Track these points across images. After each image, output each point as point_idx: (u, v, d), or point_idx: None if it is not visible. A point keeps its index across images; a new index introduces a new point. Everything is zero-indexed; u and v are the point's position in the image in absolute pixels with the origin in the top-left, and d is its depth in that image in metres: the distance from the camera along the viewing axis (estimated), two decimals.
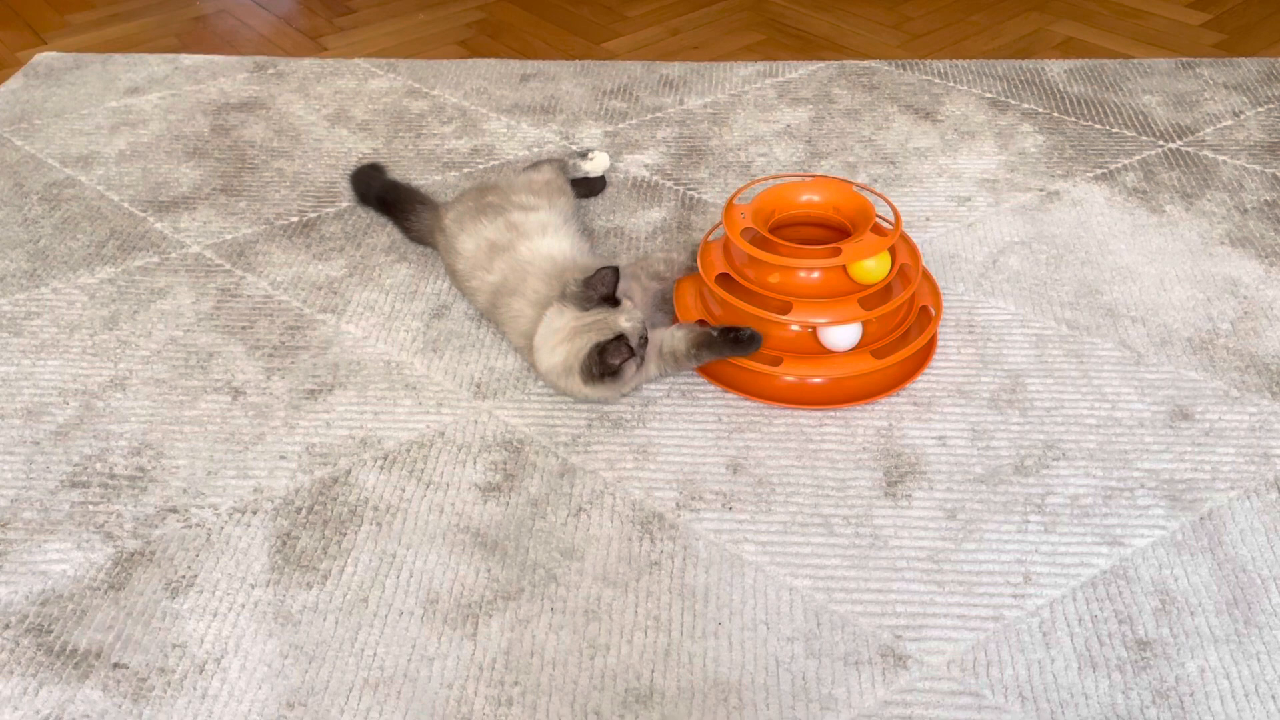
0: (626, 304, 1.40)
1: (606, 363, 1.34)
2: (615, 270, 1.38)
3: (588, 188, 1.84)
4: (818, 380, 1.43)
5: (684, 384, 1.47)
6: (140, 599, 1.21)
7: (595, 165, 1.85)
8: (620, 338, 1.35)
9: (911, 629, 1.16)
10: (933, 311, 1.50)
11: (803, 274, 1.42)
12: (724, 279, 1.47)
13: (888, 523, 1.27)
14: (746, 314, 1.43)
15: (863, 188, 1.53)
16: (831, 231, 1.51)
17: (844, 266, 1.41)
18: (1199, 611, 1.16)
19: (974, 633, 1.15)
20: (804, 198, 1.52)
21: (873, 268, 1.41)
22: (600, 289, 1.38)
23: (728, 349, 1.41)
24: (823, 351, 1.43)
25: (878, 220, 1.47)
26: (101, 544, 1.27)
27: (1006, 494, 1.30)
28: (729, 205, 1.48)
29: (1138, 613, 1.16)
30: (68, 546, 1.27)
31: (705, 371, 1.48)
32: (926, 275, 1.56)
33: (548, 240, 1.54)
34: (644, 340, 1.39)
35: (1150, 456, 1.34)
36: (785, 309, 1.40)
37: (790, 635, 1.15)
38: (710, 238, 1.56)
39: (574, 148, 1.96)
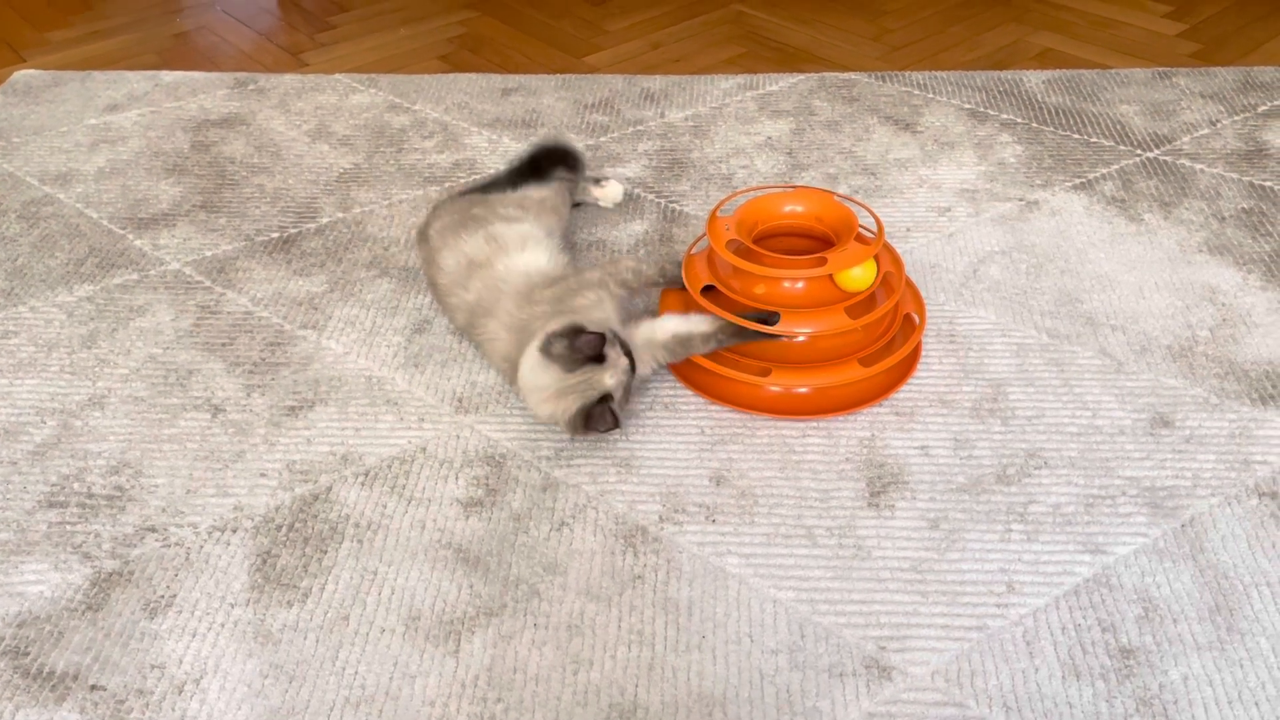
0: (611, 356, 1.36)
1: (591, 428, 1.34)
2: (602, 336, 1.34)
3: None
4: (803, 390, 1.43)
5: (667, 396, 1.47)
6: (118, 620, 1.20)
7: (607, 195, 1.81)
8: (605, 399, 1.34)
9: (895, 640, 1.15)
10: (916, 319, 1.50)
11: (787, 284, 1.42)
12: (709, 290, 1.47)
13: (871, 533, 1.27)
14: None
15: (845, 198, 1.53)
16: (815, 242, 1.52)
17: (830, 276, 1.42)
18: (1181, 619, 1.16)
19: (958, 643, 1.15)
20: (787, 208, 1.53)
21: (859, 275, 1.42)
22: (587, 351, 1.34)
23: (752, 334, 1.41)
24: (810, 361, 1.43)
25: (860, 230, 1.48)
26: (79, 564, 1.26)
27: (989, 503, 1.30)
28: (713, 217, 1.48)
29: (1120, 621, 1.16)
30: (45, 567, 1.26)
31: (690, 382, 1.48)
32: (909, 284, 1.56)
33: (525, 255, 1.53)
34: (630, 376, 1.38)
35: (1131, 464, 1.34)
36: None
37: (774, 648, 1.15)
38: (693, 250, 1.56)
39: (588, 172, 1.89)
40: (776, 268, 1.41)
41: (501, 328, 1.45)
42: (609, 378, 1.35)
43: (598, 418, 1.33)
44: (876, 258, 1.45)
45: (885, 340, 1.47)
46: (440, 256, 1.57)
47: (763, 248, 1.46)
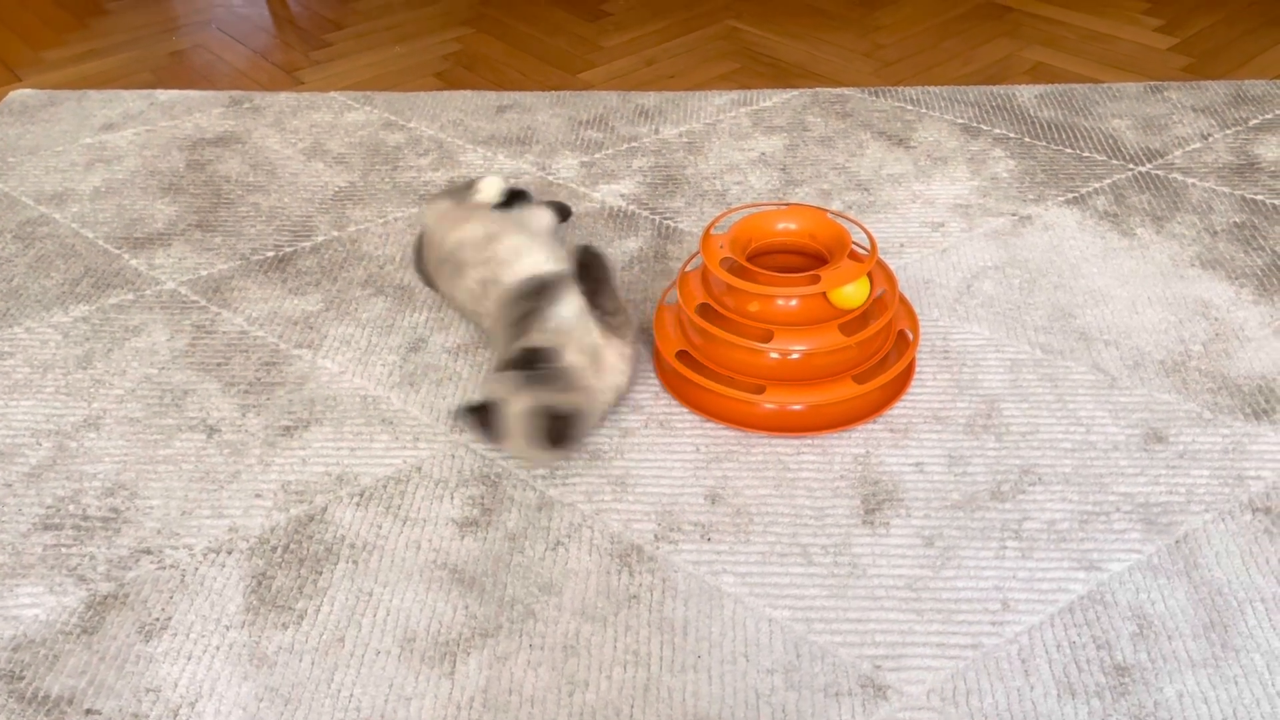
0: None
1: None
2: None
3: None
4: (798, 407, 1.44)
5: (662, 414, 1.47)
6: (113, 643, 1.20)
7: (485, 194, 1.72)
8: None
9: (891, 659, 1.16)
10: (910, 336, 1.50)
11: (781, 302, 1.43)
12: (704, 308, 1.48)
13: (866, 551, 1.27)
14: (726, 342, 1.43)
15: (838, 214, 1.54)
16: (809, 259, 1.52)
17: (824, 293, 1.42)
18: (1176, 636, 1.17)
19: (953, 661, 1.15)
20: (780, 225, 1.53)
21: (852, 293, 1.42)
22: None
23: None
24: (804, 378, 1.43)
25: (853, 247, 1.48)
26: (74, 587, 1.26)
27: (984, 520, 1.30)
28: (706, 235, 1.49)
29: (1115, 638, 1.17)
30: (40, 590, 1.26)
31: (685, 399, 1.48)
32: (903, 300, 1.57)
33: (525, 261, 1.53)
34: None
35: (1125, 480, 1.35)
36: (766, 337, 1.41)
37: (770, 667, 1.15)
38: (687, 268, 1.56)
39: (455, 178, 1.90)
40: (770, 285, 1.42)
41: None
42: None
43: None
44: (870, 275, 1.45)
45: (879, 357, 1.48)
46: (452, 299, 1.60)
47: (757, 265, 1.46)
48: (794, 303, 1.43)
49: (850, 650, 1.16)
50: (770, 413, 1.44)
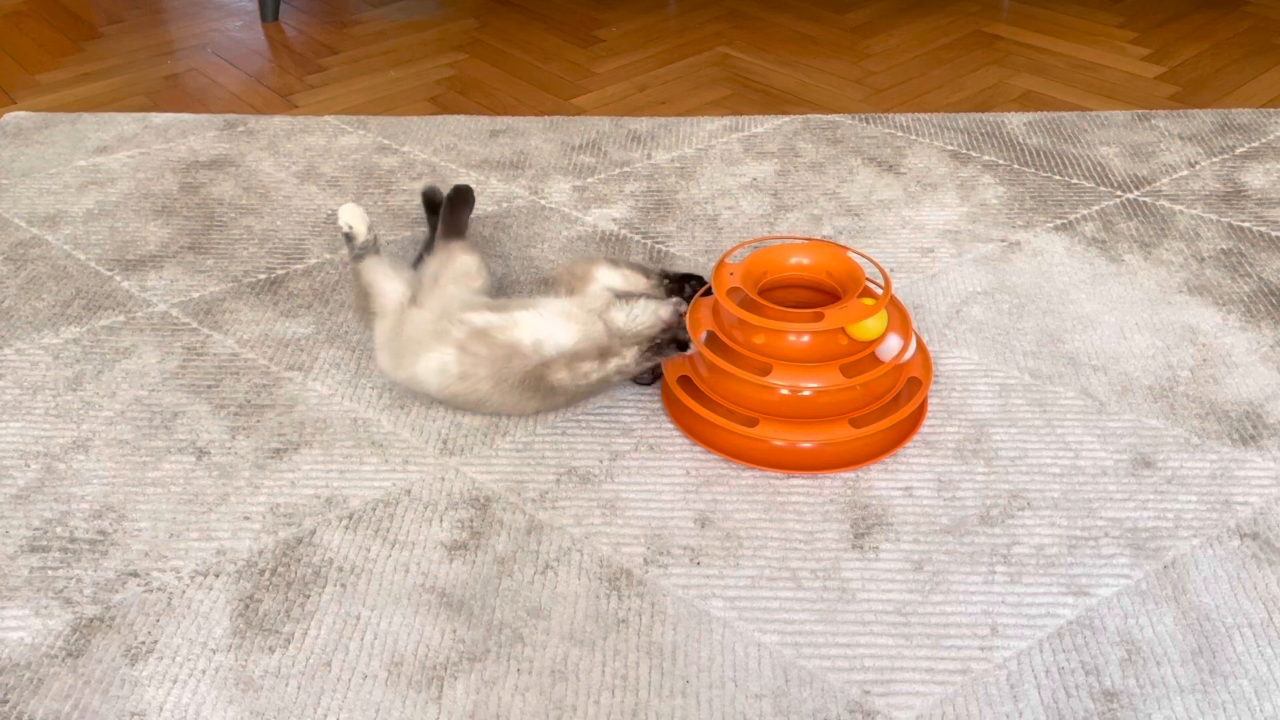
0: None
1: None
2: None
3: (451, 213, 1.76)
4: (780, 443, 1.41)
5: (652, 437, 1.47)
6: (99, 666, 1.19)
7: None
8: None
9: (880, 684, 1.15)
10: (920, 380, 1.47)
11: (792, 338, 1.42)
12: (710, 338, 1.47)
13: (855, 575, 1.27)
14: (723, 371, 1.42)
15: (857, 253, 1.52)
16: (823, 295, 1.51)
17: (844, 327, 1.40)
18: (1164, 661, 1.17)
19: (942, 686, 1.15)
20: (794, 260, 1.52)
21: (872, 325, 1.42)
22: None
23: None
24: (801, 416, 1.42)
25: (867, 283, 1.48)
26: (60, 610, 1.25)
27: (973, 545, 1.30)
28: (720, 264, 1.48)
29: (1104, 663, 1.16)
30: (26, 613, 1.25)
31: (692, 432, 1.47)
32: (921, 347, 1.53)
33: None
34: None
35: (1113, 505, 1.35)
36: (766, 370, 1.40)
37: (758, 692, 1.15)
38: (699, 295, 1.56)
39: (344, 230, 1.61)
40: (773, 320, 1.40)
41: None
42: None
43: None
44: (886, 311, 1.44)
45: (885, 401, 1.45)
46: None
47: (770, 299, 1.45)
48: (806, 339, 1.41)
49: (839, 675, 1.16)
50: (763, 449, 1.42)
